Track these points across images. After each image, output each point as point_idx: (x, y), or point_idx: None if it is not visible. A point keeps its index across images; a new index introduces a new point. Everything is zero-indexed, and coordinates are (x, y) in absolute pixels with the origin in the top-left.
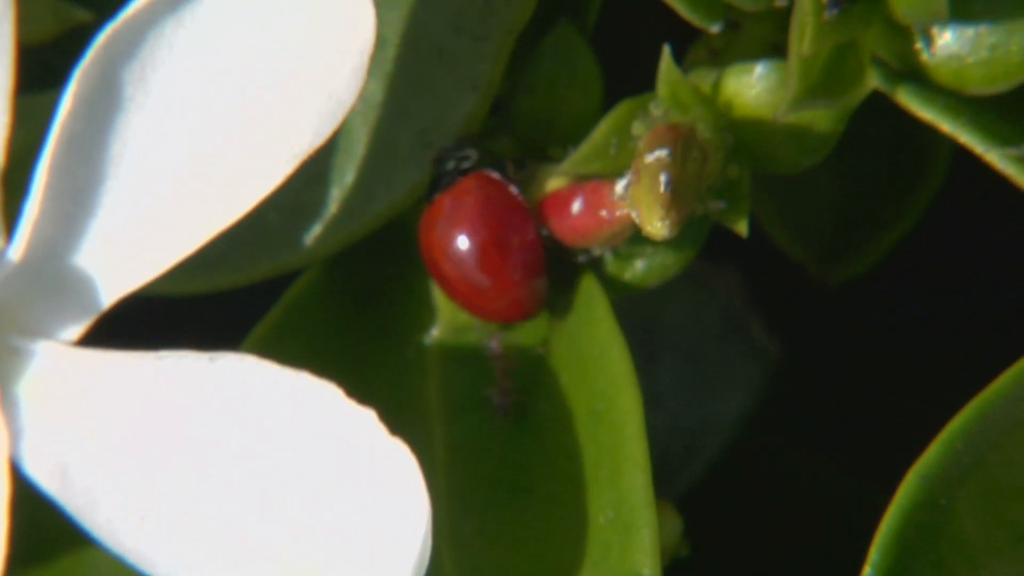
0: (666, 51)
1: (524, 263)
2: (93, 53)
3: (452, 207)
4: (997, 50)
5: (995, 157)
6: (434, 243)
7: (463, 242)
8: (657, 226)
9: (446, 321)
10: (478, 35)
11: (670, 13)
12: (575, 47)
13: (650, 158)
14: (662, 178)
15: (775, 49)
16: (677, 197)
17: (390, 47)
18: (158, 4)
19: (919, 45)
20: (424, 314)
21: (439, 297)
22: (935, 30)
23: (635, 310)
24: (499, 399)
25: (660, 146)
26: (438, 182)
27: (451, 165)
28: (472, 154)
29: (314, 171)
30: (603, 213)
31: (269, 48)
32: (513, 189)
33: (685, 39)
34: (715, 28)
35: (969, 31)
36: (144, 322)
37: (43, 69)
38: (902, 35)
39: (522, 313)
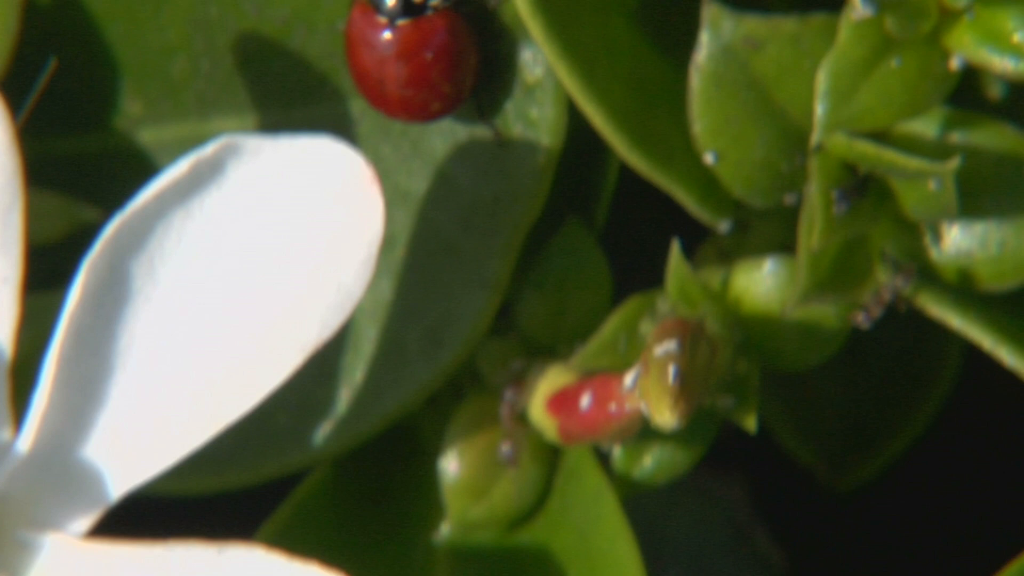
0: (675, 247)
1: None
2: (101, 244)
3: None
4: (1006, 247)
5: (1004, 353)
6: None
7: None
8: (666, 417)
9: (455, 520)
10: (487, 231)
11: (679, 210)
12: (584, 246)
13: (659, 350)
14: (671, 370)
15: (784, 248)
16: (686, 389)
17: (399, 245)
18: (167, 195)
19: (928, 241)
20: (432, 513)
21: (448, 496)
22: (944, 226)
23: (641, 519)
24: None
25: (669, 339)
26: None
27: None
28: None
29: (323, 370)
30: (612, 407)
31: (278, 240)
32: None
33: (694, 236)
34: (724, 227)
35: (978, 228)
36: (153, 516)
37: (51, 270)
38: (911, 231)
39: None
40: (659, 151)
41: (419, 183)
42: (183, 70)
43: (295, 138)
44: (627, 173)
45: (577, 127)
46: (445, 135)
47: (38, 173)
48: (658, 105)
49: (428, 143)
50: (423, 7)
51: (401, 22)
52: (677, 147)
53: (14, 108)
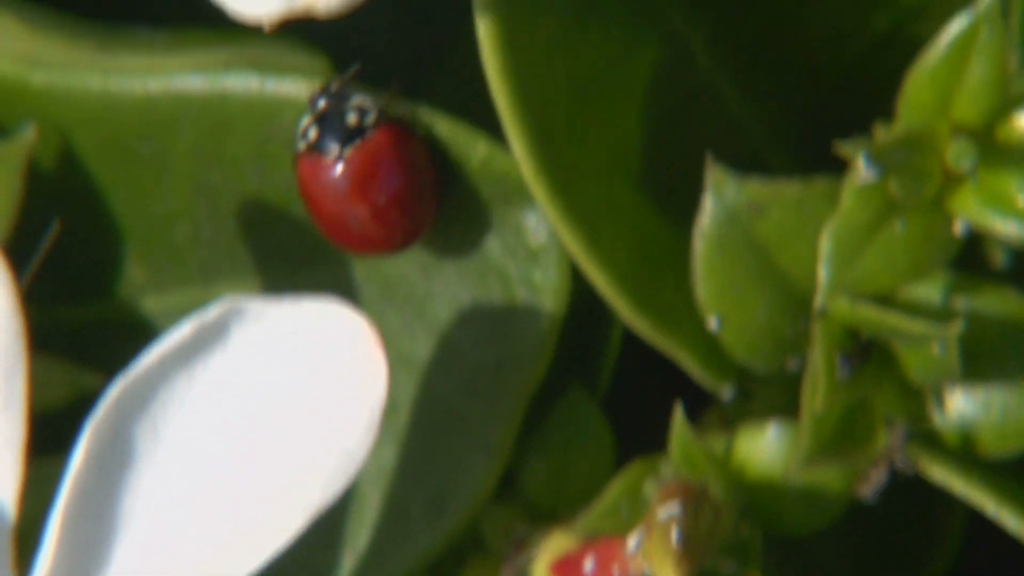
0: (678, 411)
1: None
2: (104, 407)
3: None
4: (1009, 412)
5: (1008, 518)
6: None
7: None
8: None
9: None
10: (490, 397)
11: (683, 376)
12: (587, 412)
13: (662, 514)
14: (674, 534)
15: (787, 415)
16: (689, 553)
17: (403, 411)
18: (170, 358)
19: (931, 406)
20: None
21: None
22: (947, 391)
23: None
24: None
25: (672, 502)
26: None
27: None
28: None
29: (325, 534)
30: (615, 570)
31: (281, 403)
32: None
33: (698, 400)
34: (727, 395)
35: (981, 393)
36: None
37: (55, 437)
38: (914, 395)
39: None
40: (663, 315)
41: (422, 348)
42: (186, 236)
43: (298, 300)
44: (631, 336)
45: (580, 289)
46: (449, 301)
47: (42, 341)
48: (662, 269)
49: (431, 308)
50: (361, 128)
51: (347, 152)
52: (681, 311)
53: (18, 273)
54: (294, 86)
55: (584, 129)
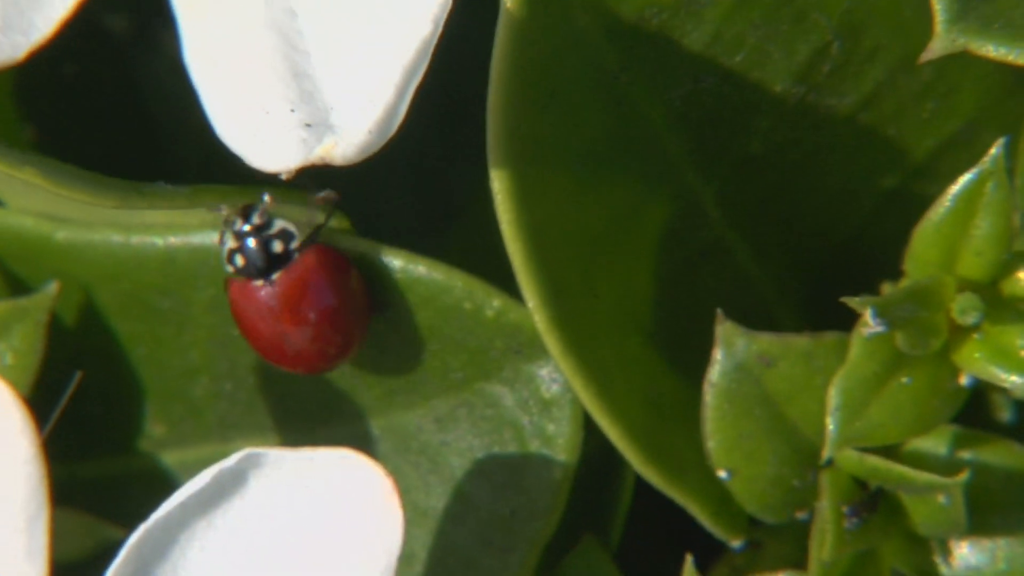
0: (688, 561)
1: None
2: (125, 553)
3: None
4: (1014, 564)
5: None
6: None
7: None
8: None
9: None
10: (504, 548)
11: (694, 528)
12: (600, 563)
13: None
14: None
15: (796, 567)
16: None
17: (418, 562)
18: (190, 505)
19: (937, 557)
20: None
21: None
22: (953, 542)
23: None
24: None
25: None
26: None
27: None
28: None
29: None
30: None
31: (298, 552)
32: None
33: (709, 550)
34: (737, 545)
35: (987, 544)
36: None
37: None
38: (921, 546)
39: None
40: (674, 465)
41: (437, 500)
42: (206, 391)
43: (316, 451)
44: (642, 487)
45: (593, 439)
46: (462, 453)
47: (64, 495)
48: (673, 420)
49: (446, 461)
50: (288, 253)
51: (276, 276)
52: (691, 461)
53: (40, 425)
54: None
55: (597, 283)
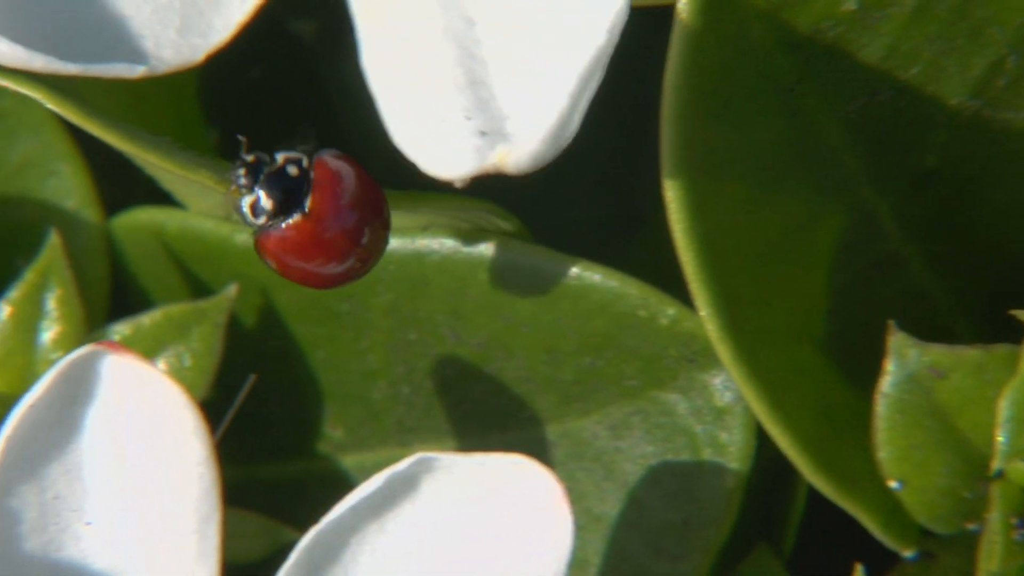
0: (859, 570)
1: None
2: (296, 555)
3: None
4: None
5: None
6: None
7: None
8: None
9: None
10: (677, 556)
11: (868, 539)
12: (773, 572)
13: None
14: None
15: None
16: None
17: (591, 569)
18: (362, 509)
19: None
20: None
21: None
22: None
23: None
24: None
25: None
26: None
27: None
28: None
29: None
30: None
31: (468, 554)
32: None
33: (882, 563)
34: (909, 556)
35: None
36: None
37: None
38: None
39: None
40: (844, 475)
41: (610, 507)
42: (383, 395)
43: (488, 456)
44: (816, 496)
45: (767, 449)
46: (636, 460)
47: (243, 497)
48: (843, 431)
49: (620, 468)
50: (305, 175)
51: (308, 201)
52: (861, 472)
53: (217, 428)
54: (488, 248)
55: (768, 293)
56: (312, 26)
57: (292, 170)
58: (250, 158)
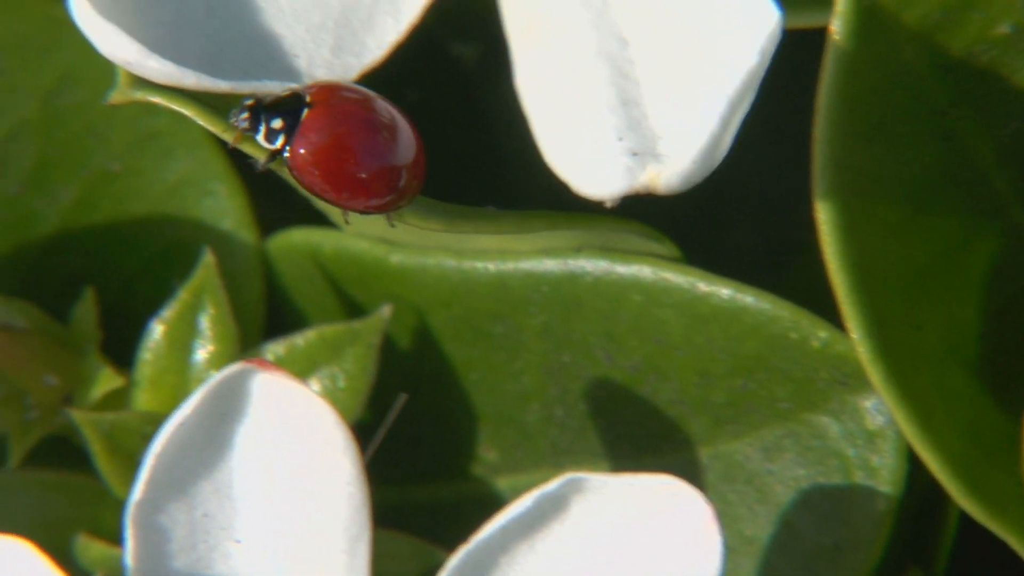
0: None
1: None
2: (445, 574)
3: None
4: None
5: None
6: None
7: None
8: None
9: None
10: None
11: (1017, 561)
12: None
13: None
14: None
15: None
16: None
17: None
18: (511, 529)
19: None
20: None
21: None
22: None
23: None
24: None
25: None
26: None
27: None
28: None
29: None
30: None
31: (618, 574)
32: None
33: None
34: None
35: None
36: None
37: None
38: None
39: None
40: (995, 500)
41: (762, 530)
42: (537, 417)
43: (638, 477)
44: (966, 520)
45: (919, 472)
46: (788, 483)
47: (397, 519)
48: (994, 454)
49: (772, 490)
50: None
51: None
52: (1012, 496)
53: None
54: (641, 270)
55: (920, 316)
56: (472, 49)
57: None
58: (249, 101)
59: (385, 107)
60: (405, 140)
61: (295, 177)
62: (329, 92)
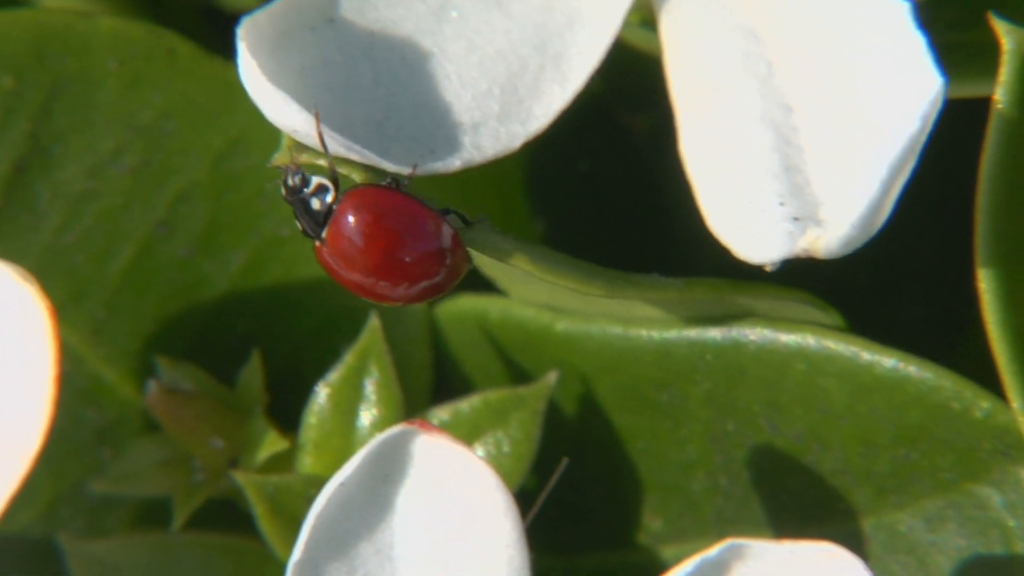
0: None
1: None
2: None
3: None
4: None
5: None
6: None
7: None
8: None
9: None
10: None
11: None
12: None
13: None
14: None
15: None
16: None
17: None
18: None
19: None
20: None
21: None
22: None
23: None
24: None
25: None
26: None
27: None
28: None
29: None
30: None
31: None
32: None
33: None
34: None
35: None
36: None
37: None
38: None
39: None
40: None
41: None
42: (702, 486)
43: (799, 544)
44: None
45: None
46: (949, 554)
47: None
48: None
49: (934, 561)
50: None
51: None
52: None
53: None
54: (805, 338)
55: None
56: (643, 119)
57: (316, 204)
58: (294, 180)
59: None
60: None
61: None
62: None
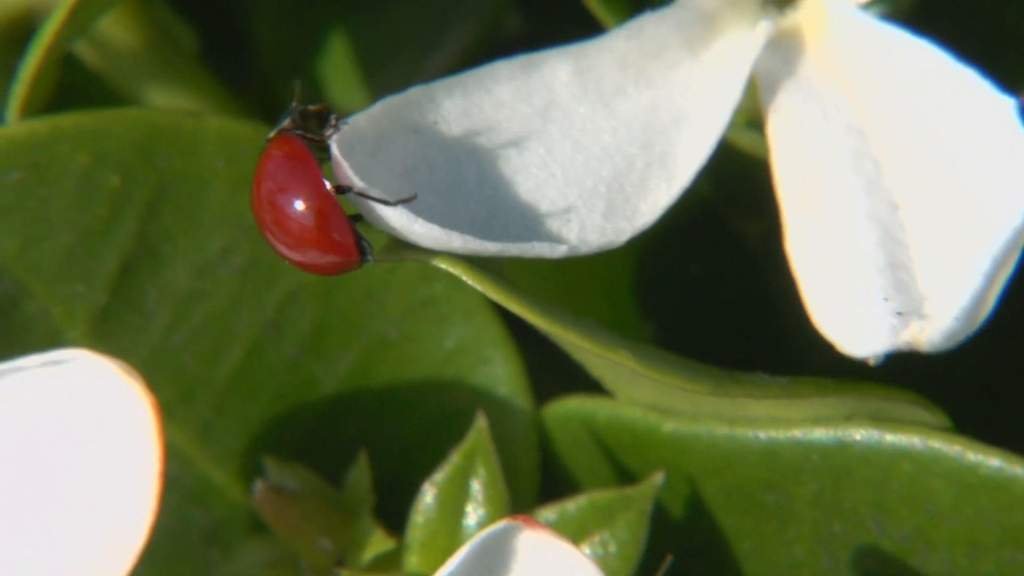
0: None
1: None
2: None
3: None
4: None
5: None
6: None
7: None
8: None
9: None
10: None
11: None
12: None
13: None
14: None
15: None
16: None
17: None
18: None
19: None
20: None
21: None
22: None
23: None
24: None
25: None
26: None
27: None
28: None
29: None
30: None
31: None
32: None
33: None
34: None
35: None
36: None
37: None
38: None
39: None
40: None
41: None
42: None
43: None
44: None
45: None
46: None
47: None
48: None
49: None
50: None
51: None
52: None
53: None
54: (911, 439)
55: None
56: (755, 226)
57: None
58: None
59: None
60: None
61: None
62: None
